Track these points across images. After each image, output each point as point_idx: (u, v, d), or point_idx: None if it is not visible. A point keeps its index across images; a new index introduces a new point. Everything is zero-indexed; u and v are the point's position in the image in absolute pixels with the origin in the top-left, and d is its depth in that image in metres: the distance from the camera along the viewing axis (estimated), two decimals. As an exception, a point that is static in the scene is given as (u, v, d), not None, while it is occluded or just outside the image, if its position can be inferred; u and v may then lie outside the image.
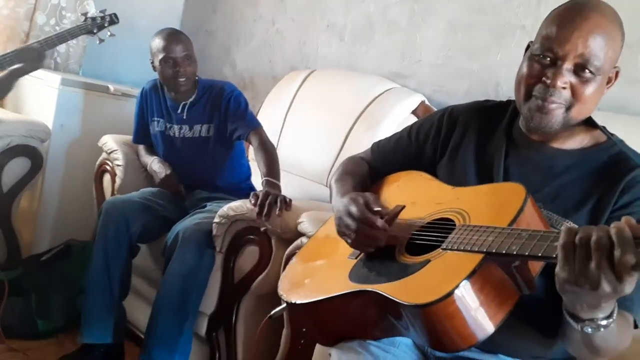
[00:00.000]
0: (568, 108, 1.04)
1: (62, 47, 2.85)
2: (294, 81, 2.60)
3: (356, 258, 1.15)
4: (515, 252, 0.84)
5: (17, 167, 2.40)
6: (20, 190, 2.43)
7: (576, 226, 0.99)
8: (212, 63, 3.29)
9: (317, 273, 1.24)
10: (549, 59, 1.03)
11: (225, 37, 3.29)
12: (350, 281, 1.08)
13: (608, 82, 1.08)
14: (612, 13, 1.04)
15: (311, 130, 2.40)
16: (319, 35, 2.82)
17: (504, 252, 0.86)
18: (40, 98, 2.67)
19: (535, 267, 0.93)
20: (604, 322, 0.86)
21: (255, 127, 2.16)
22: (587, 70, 1.02)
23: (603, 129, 1.13)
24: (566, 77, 1.02)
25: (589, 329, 0.86)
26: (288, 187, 2.04)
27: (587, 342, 0.92)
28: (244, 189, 2.27)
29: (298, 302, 1.15)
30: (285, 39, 2.98)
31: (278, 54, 3.01)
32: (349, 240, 1.14)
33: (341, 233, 1.16)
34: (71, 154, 2.66)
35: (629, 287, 0.76)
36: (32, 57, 2.04)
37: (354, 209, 1.12)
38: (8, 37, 2.78)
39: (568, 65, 1.02)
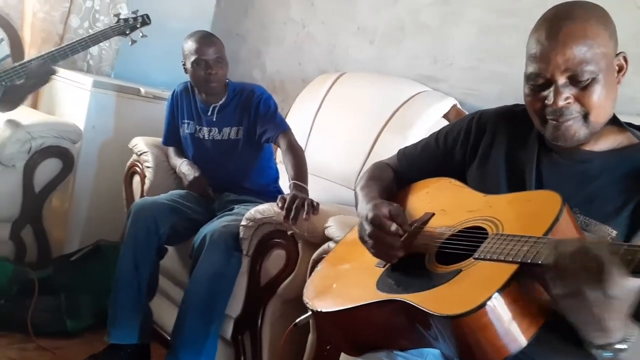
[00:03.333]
0: (585, 116, 1.01)
1: (94, 50, 2.89)
2: (323, 84, 2.59)
3: (384, 266, 1.13)
4: None
5: (49, 167, 2.44)
6: (52, 191, 2.47)
7: (611, 232, 0.96)
8: (242, 66, 3.30)
9: (344, 280, 1.22)
10: (541, 80, 1.01)
11: (255, 40, 3.30)
12: (378, 290, 1.06)
13: (620, 71, 1.04)
14: (584, 11, 1.00)
15: (340, 133, 2.39)
16: (349, 38, 2.80)
17: (539, 262, 0.83)
18: (73, 100, 2.71)
19: None
20: (621, 346, 0.84)
21: (284, 130, 2.16)
22: (582, 79, 0.98)
23: (633, 130, 1.08)
24: (565, 93, 0.99)
25: (607, 354, 0.85)
26: (315, 190, 2.02)
27: None
28: (271, 192, 2.26)
29: (323, 310, 1.13)
30: (316, 42, 2.97)
31: (308, 57, 3.00)
32: (369, 248, 1.13)
33: (361, 239, 1.15)
34: (102, 155, 2.70)
35: (615, 288, 0.76)
36: (42, 72, 2.07)
37: (371, 214, 1.11)
38: (43, 40, 2.84)
39: (561, 81, 0.99)
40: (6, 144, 2.30)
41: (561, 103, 0.99)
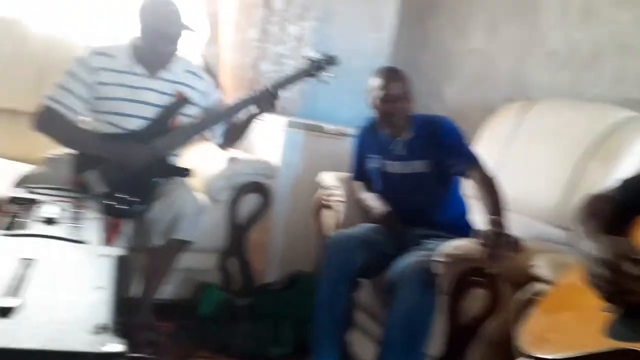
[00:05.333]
0: None
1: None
2: (510, 113, 2.50)
3: (613, 311, 1.05)
4: None
5: (250, 202, 2.64)
6: (253, 224, 2.66)
7: None
8: (422, 98, 3.30)
9: (565, 326, 1.16)
10: None
11: (435, 72, 3.30)
12: (608, 338, 0.99)
13: None
14: None
15: (533, 164, 2.28)
16: (536, 63, 2.69)
17: None
18: (268, 139, 2.92)
19: None
20: None
21: (474, 161, 2.12)
22: None
23: None
24: None
25: None
26: (510, 226, 1.93)
27: None
28: (462, 226, 2.21)
29: (543, 357, 1.08)
30: (498, 70, 2.89)
31: (490, 86, 2.93)
32: (601, 293, 1.05)
33: (590, 283, 1.08)
34: (295, 190, 2.86)
35: None
36: (266, 99, 2.23)
37: (605, 255, 1.04)
38: (235, 86, 3.08)
39: None
40: (218, 179, 2.54)
41: None
